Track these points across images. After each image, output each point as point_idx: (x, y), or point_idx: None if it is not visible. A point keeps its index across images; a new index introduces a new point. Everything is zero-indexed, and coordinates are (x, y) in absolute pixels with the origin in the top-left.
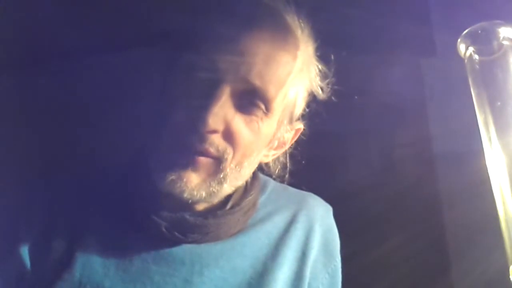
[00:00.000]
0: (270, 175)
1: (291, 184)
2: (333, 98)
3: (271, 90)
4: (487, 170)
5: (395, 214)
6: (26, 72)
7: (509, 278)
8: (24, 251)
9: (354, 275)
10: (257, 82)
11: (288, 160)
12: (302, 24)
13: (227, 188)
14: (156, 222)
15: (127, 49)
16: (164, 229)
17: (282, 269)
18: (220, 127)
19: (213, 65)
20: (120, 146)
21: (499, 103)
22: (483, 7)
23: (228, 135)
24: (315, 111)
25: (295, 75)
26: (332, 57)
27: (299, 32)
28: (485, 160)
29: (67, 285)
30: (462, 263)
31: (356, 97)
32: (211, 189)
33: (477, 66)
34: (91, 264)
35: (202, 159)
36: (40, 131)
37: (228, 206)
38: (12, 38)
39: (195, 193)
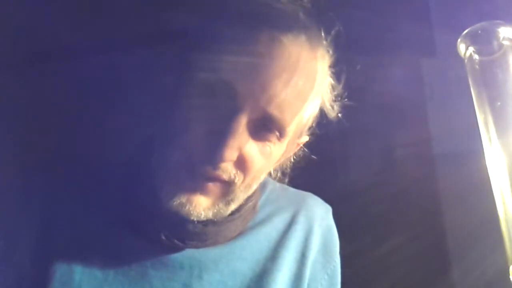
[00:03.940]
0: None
1: (290, 184)
2: (340, 115)
3: (288, 119)
4: (487, 170)
5: (395, 214)
6: (28, 71)
7: (509, 278)
8: (24, 254)
9: (354, 275)
10: (275, 112)
11: (288, 167)
12: (324, 39)
13: (232, 207)
14: (155, 230)
15: (135, 48)
16: (163, 237)
17: (282, 270)
18: (235, 156)
19: (232, 90)
20: (121, 146)
21: (499, 103)
22: (483, 7)
23: (241, 162)
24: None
25: (311, 101)
26: (343, 76)
27: (320, 51)
28: (485, 160)
29: None
30: (462, 263)
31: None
32: (218, 210)
33: (477, 66)
34: (91, 269)
35: (213, 185)
36: (41, 132)
37: (228, 213)
38: (24, 37)
39: (203, 215)
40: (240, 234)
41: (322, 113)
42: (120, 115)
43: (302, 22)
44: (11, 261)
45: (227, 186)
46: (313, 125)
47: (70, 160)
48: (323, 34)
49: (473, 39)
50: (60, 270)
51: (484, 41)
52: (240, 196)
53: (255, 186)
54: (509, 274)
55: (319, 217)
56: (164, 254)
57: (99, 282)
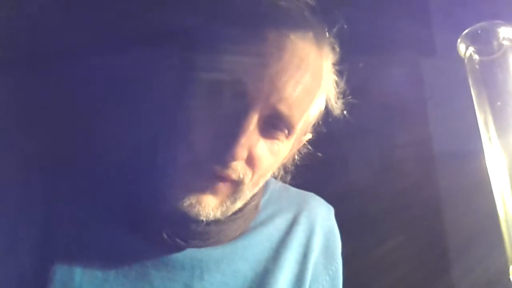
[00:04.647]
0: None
1: (291, 184)
2: (345, 112)
3: (296, 116)
4: (487, 170)
5: (395, 214)
6: (30, 71)
7: (509, 278)
8: (24, 255)
9: (354, 275)
10: (285, 110)
11: (291, 165)
12: (328, 37)
13: (238, 205)
14: (157, 228)
15: (134, 48)
16: (165, 235)
17: (283, 271)
18: (245, 154)
19: (242, 88)
20: (122, 145)
21: (499, 103)
22: (483, 7)
23: (251, 160)
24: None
25: (318, 98)
26: (345, 74)
27: (326, 49)
28: (485, 160)
29: None
30: (462, 263)
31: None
32: (226, 208)
33: (477, 66)
34: (91, 269)
35: (222, 184)
36: (41, 131)
37: (230, 213)
38: (24, 37)
39: (211, 214)
40: (242, 234)
41: (327, 111)
42: (123, 114)
43: (308, 20)
44: (12, 261)
45: (236, 185)
46: (319, 122)
47: (71, 160)
48: (327, 31)
49: (473, 39)
50: (60, 270)
51: (484, 41)
52: (246, 194)
53: (261, 184)
54: (509, 274)
55: (321, 217)
56: (166, 254)
57: (100, 282)
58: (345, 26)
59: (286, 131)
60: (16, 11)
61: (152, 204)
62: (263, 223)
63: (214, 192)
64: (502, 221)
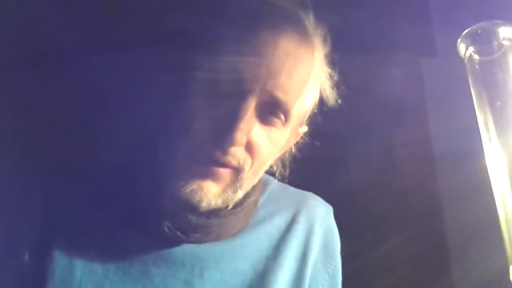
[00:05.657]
0: (272, 174)
1: (291, 183)
2: (339, 101)
3: (292, 102)
4: (487, 170)
5: (395, 214)
6: (29, 70)
7: (509, 278)
8: (24, 251)
9: (354, 275)
10: (281, 95)
11: (289, 159)
12: (319, 30)
13: (239, 195)
14: (158, 221)
15: (135, 48)
16: (166, 229)
17: (283, 270)
18: (244, 140)
19: (238, 76)
20: (121, 144)
21: (499, 103)
22: (483, 7)
23: (250, 147)
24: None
25: (311, 85)
26: (336, 61)
27: (317, 40)
28: (485, 160)
29: (67, 286)
30: (462, 263)
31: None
32: (227, 197)
33: (477, 66)
34: (92, 265)
35: (223, 170)
36: (41, 130)
37: (231, 206)
38: (25, 37)
39: (213, 202)
40: (241, 231)
41: (323, 104)
42: (122, 112)
43: (300, 13)
44: (12, 258)
45: (236, 172)
46: (314, 111)
47: (71, 157)
48: (319, 26)
49: (473, 39)
50: (61, 266)
51: (484, 41)
52: (247, 183)
53: (261, 173)
54: (509, 274)
55: (320, 217)
56: (166, 251)
57: (100, 278)
58: (341, 24)
59: (283, 117)
60: (17, 11)
61: (153, 199)
62: (262, 222)
63: (215, 178)
64: (502, 221)
